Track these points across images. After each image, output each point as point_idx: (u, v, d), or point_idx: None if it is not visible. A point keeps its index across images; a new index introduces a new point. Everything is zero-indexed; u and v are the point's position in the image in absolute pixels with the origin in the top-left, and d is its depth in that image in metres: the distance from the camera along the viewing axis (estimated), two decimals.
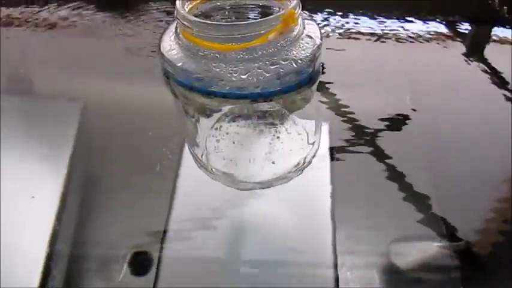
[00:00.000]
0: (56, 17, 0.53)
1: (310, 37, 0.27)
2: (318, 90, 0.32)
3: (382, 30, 0.51)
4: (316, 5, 0.54)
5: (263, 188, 0.33)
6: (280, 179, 0.32)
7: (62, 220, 0.32)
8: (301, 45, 0.27)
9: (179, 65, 0.26)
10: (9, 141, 0.37)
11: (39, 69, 0.47)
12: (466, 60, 0.48)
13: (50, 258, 0.30)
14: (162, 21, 0.52)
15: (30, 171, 0.36)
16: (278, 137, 0.34)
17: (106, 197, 0.35)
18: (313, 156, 0.33)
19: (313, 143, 0.33)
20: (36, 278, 0.29)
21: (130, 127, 0.40)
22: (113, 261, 0.30)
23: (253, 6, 0.30)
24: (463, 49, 0.49)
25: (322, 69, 0.30)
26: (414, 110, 0.41)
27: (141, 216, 0.33)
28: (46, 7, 0.55)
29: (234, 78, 0.25)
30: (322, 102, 0.41)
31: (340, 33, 0.51)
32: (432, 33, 0.51)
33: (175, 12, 0.27)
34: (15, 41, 0.50)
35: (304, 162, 0.33)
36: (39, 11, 0.54)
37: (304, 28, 0.28)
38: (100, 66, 0.47)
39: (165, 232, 0.32)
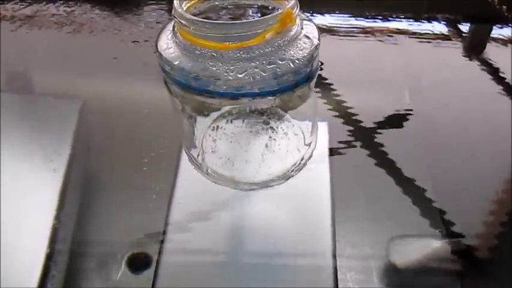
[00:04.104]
0: (55, 15, 0.53)
1: (308, 37, 0.27)
2: (317, 89, 0.32)
3: (382, 28, 0.51)
4: (315, 3, 0.54)
5: (259, 189, 0.33)
6: (277, 179, 0.32)
7: (61, 219, 0.32)
8: (299, 45, 0.27)
9: (176, 63, 0.26)
10: (7, 140, 0.37)
11: (38, 68, 0.47)
12: (465, 59, 0.48)
13: (49, 257, 0.30)
14: (161, 19, 0.52)
15: (29, 170, 0.36)
16: (275, 138, 0.34)
17: (105, 196, 0.35)
18: (310, 157, 0.33)
19: (309, 144, 0.33)
20: (35, 278, 0.29)
21: (129, 126, 0.40)
22: (112, 260, 0.30)
23: (252, 5, 0.30)
24: (463, 48, 0.49)
25: (321, 68, 0.30)
26: (413, 108, 0.41)
27: (140, 215, 0.33)
28: (45, 5, 0.55)
29: (231, 78, 0.25)
30: (321, 101, 0.41)
31: (339, 32, 0.51)
32: (432, 31, 0.51)
33: (172, 10, 0.27)
34: (14, 39, 0.50)
35: (300, 163, 0.33)
36: (38, 9, 0.54)
37: (302, 28, 0.27)
38: (99, 64, 0.47)
39: (163, 231, 0.32)
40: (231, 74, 0.25)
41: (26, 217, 0.33)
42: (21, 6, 0.55)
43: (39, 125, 0.39)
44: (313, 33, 0.28)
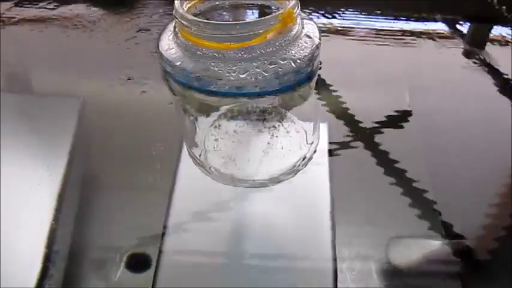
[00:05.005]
0: (55, 14, 0.53)
1: (309, 37, 0.27)
2: (317, 89, 0.32)
3: (381, 29, 0.51)
4: (315, 3, 0.54)
5: (261, 187, 0.33)
6: (279, 178, 0.32)
7: (59, 219, 0.32)
8: (300, 44, 0.27)
9: (178, 64, 0.26)
10: (7, 140, 0.37)
11: (38, 67, 0.47)
12: (465, 59, 0.48)
13: (47, 257, 0.30)
14: (161, 19, 0.52)
15: (28, 170, 0.36)
16: (277, 136, 0.34)
17: (104, 195, 0.35)
18: (312, 155, 0.33)
19: (311, 142, 0.33)
20: (33, 278, 0.29)
21: (128, 125, 0.40)
22: (111, 260, 0.30)
23: (252, 5, 0.30)
24: (462, 48, 0.49)
25: (320, 68, 0.30)
26: (413, 108, 0.41)
27: (140, 215, 0.33)
28: (44, 5, 0.55)
29: (232, 78, 0.25)
30: (321, 101, 0.41)
31: (339, 32, 0.51)
32: (431, 31, 0.51)
33: (173, 11, 0.27)
34: (14, 39, 0.50)
35: (302, 161, 0.33)
36: (37, 9, 0.54)
37: (303, 28, 0.28)
38: (98, 64, 0.47)
39: (163, 231, 0.32)
40: (233, 74, 0.25)
41: (24, 217, 0.33)
42: (21, 7, 0.54)
43: (38, 125, 0.39)
44: (314, 32, 0.28)
